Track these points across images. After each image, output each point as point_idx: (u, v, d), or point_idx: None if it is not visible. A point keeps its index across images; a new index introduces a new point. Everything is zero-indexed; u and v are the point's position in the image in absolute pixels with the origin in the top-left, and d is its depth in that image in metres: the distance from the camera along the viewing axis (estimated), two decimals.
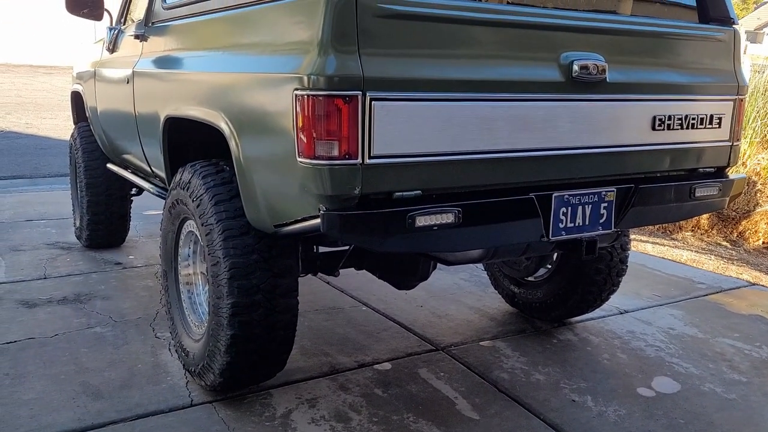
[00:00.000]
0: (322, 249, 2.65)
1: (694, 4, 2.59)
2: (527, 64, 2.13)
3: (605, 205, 2.35)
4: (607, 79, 2.24)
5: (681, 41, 2.51)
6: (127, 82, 3.31)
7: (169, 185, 2.72)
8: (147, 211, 5.35)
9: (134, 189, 4.21)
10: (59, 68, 19.26)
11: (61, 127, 10.36)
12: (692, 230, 5.49)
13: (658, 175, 2.51)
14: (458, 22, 2.01)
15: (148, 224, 5.11)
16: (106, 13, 3.90)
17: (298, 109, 1.88)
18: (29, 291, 3.68)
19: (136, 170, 3.77)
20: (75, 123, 4.74)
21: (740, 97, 2.60)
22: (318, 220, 1.91)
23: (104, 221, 4.38)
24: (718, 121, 2.55)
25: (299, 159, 1.91)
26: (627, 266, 3.31)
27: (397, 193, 1.96)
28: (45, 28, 20.63)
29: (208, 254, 2.36)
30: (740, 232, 5.36)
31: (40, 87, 16.12)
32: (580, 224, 2.30)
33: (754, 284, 4.33)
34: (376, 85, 1.85)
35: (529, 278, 3.52)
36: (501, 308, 3.69)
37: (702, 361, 3.13)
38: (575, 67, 2.17)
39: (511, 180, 2.16)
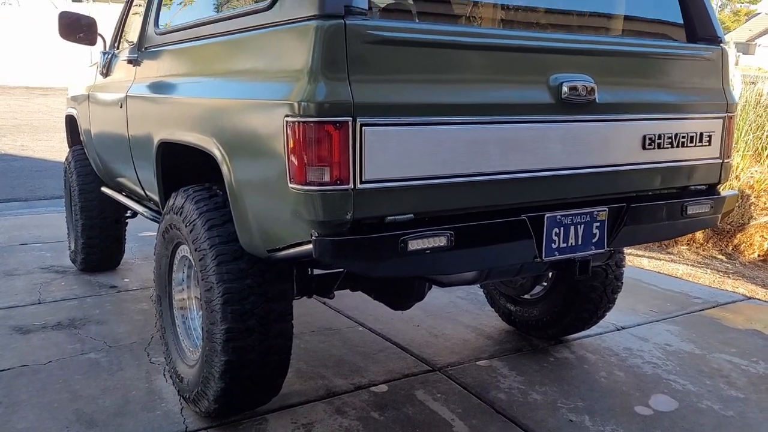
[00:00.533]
0: (316, 271, 2.65)
1: (682, 24, 2.62)
2: (517, 86, 2.15)
3: (597, 224, 2.35)
4: (597, 100, 2.26)
5: (669, 61, 2.53)
6: (121, 107, 3.33)
7: (163, 209, 2.72)
8: (142, 232, 5.35)
9: (129, 212, 4.21)
10: (55, 89, 19.32)
11: (57, 148, 10.37)
12: (687, 244, 5.50)
13: (650, 193, 2.52)
14: (447, 46, 2.03)
15: (144, 246, 5.10)
16: (99, 38, 3.92)
17: (289, 135, 1.89)
18: (23, 317, 3.66)
19: (131, 193, 3.77)
20: (69, 146, 4.75)
21: (729, 114, 2.62)
22: (310, 246, 1.91)
23: (99, 244, 4.37)
24: (708, 138, 2.56)
25: (291, 185, 1.91)
26: (622, 283, 3.31)
27: (389, 217, 1.96)
28: (40, 49, 20.72)
29: (202, 279, 2.35)
30: (735, 245, 5.37)
31: (36, 109, 16.16)
32: (573, 244, 2.31)
33: (750, 298, 4.33)
34: (366, 111, 1.86)
35: (525, 296, 3.51)
36: (498, 326, 3.69)
37: (699, 377, 3.12)
38: (564, 89, 2.18)
39: (503, 202, 2.17)
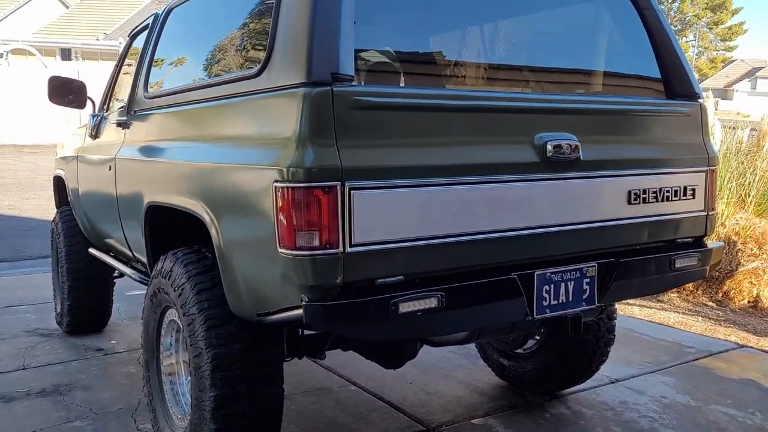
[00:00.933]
0: (307, 332, 2.62)
1: (661, 81, 2.69)
2: (502, 146, 2.18)
3: (587, 280, 2.36)
4: (581, 157, 2.29)
5: (650, 117, 2.59)
6: (110, 169, 3.34)
7: (151, 271, 2.70)
8: (130, 291, 5.28)
9: (117, 272, 4.17)
10: (44, 147, 19.36)
11: (45, 207, 10.31)
12: (678, 292, 5.50)
13: (638, 247, 2.54)
14: (432, 109, 2.07)
15: (132, 306, 5.04)
16: (89, 101, 3.96)
17: (278, 200, 1.90)
18: (7, 383, 3.58)
19: (118, 255, 3.74)
20: (57, 207, 4.73)
21: (711, 168, 2.66)
22: (300, 311, 1.90)
23: (86, 306, 4.31)
24: (692, 192, 2.60)
25: (280, 249, 1.91)
26: (615, 336, 3.29)
27: (379, 280, 1.96)
28: (30, 107, 20.86)
29: (190, 344, 2.32)
30: (725, 292, 5.39)
31: (24, 167, 16.15)
32: (564, 301, 2.31)
33: (742, 346, 4.32)
34: (354, 175, 1.88)
35: (518, 350, 3.48)
36: (491, 382, 3.64)
37: (696, 431, 3.08)
38: (549, 147, 2.22)
39: (492, 260, 2.17)
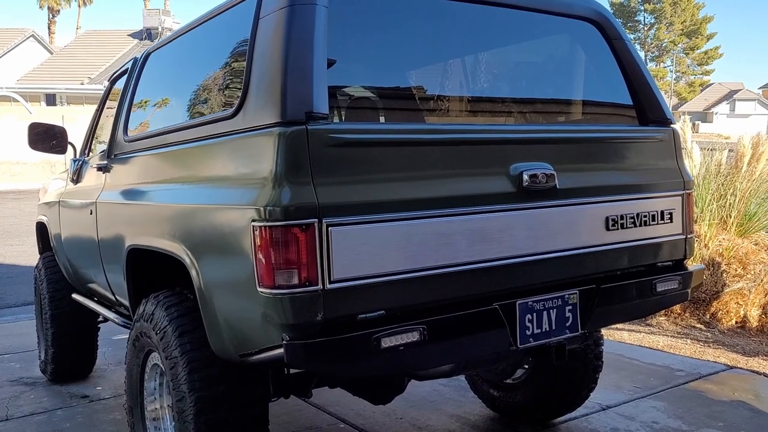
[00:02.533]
0: (293, 370, 2.60)
1: (633, 108, 2.73)
2: (479, 178, 2.20)
3: (570, 307, 2.36)
4: (557, 186, 2.32)
5: (624, 144, 2.63)
6: (91, 213, 3.33)
7: (134, 315, 2.68)
8: (116, 335, 5.21)
9: (101, 317, 4.12)
10: (27, 192, 19.29)
11: (29, 253, 10.22)
12: (666, 315, 5.51)
13: (619, 273, 2.55)
14: (407, 144, 2.09)
15: (117, 350, 4.97)
16: (70, 146, 3.97)
17: (257, 239, 1.90)
18: None
19: (102, 299, 3.71)
20: (40, 253, 4.69)
21: (687, 191, 2.70)
22: (282, 350, 1.88)
23: (70, 353, 4.24)
24: (669, 216, 2.63)
25: (260, 288, 1.91)
26: (603, 362, 3.29)
27: (360, 316, 1.96)
28: (13, 153, 20.84)
29: (174, 389, 2.29)
30: (713, 314, 5.40)
31: (8, 213, 16.04)
32: (547, 329, 2.31)
33: (732, 367, 4.32)
34: (331, 212, 1.89)
35: (507, 381, 3.46)
36: (482, 414, 3.61)
37: None
38: (525, 177, 2.24)
39: (473, 292, 2.18)
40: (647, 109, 2.71)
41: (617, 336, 5.07)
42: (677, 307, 5.50)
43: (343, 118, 2.64)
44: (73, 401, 4.01)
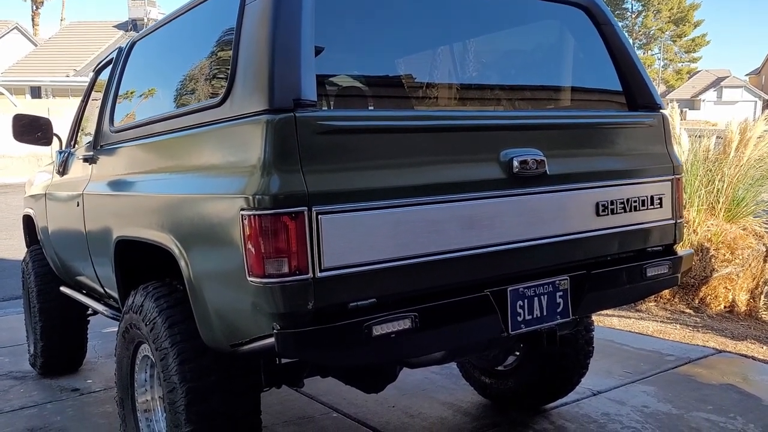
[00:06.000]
0: (285, 360, 2.59)
1: (623, 94, 2.73)
2: (469, 164, 2.19)
3: (560, 293, 2.37)
4: (548, 172, 2.31)
5: (614, 129, 2.62)
6: (78, 205, 3.29)
7: (123, 307, 2.66)
8: (106, 328, 5.18)
9: (90, 310, 4.10)
10: (14, 186, 19.08)
11: (17, 247, 10.12)
12: (655, 300, 5.55)
13: (609, 258, 2.55)
14: (397, 131, 2.08)
15: (107, 343, 4.93)
16: (55, 138, 3.92)
17: (246, 228, 1.89)
18: None
19: (90, 292, 3.68)
20: (27, 246, 4.65)
21: (677, 176, 2.70)
22: (273, 340, 1.87)
23: (59, 346, 4.21)
24: (659, 201, 2.63)
25: (249, 278, 1.89)
26: (593, 347, 3.30)
27: (351, 304, 1.95)
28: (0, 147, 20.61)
29: (164, 380, 2.28)
30: (701, 298, 5.44)
31: None
32: (539, 315, 2.31)
33: (720, 351, 4.35)
34: (321, 200, 1.88)
35: (499, 367, 3.47)
36: (474, 401, 3.62)
37: None
38: (515, 163, 2.23)
39: (464, 278, 2.17)
40: (636, 94, 2.70)
41: (607, 322, 5.10)
42: (666, 293, 5.54)
43: (332, 106, 2.62)
44: (63, 395, 3.99)
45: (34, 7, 42.12)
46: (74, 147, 3.84)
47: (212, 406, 2.20)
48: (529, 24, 2.91)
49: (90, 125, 3.53)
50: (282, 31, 1.97)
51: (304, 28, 1.99)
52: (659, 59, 57.63)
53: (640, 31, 57.56)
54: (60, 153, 3.88)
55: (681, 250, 2.76)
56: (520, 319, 2.26)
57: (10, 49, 31.11)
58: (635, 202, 2.56)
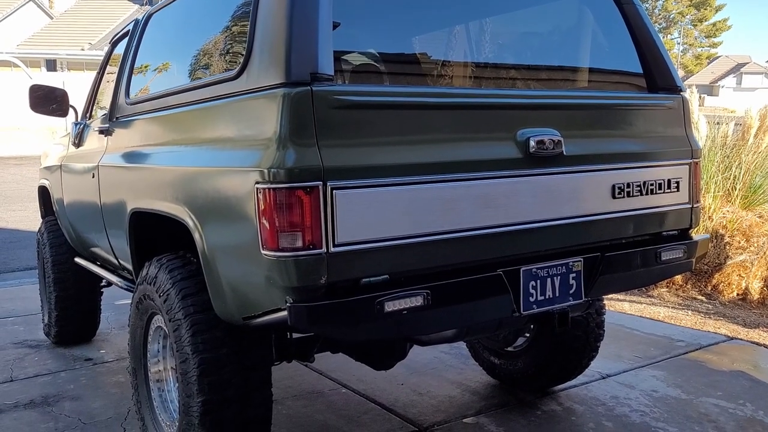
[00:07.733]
0: (295, 335, 2.61)
1: (642, 76, 2.69)
2: (485, 143, 2.17)
3: (574, 275, 2.36)
4: (564, 153, 2.29)
5: (632, 111, 2.59)
6: (93, 177, 3.31)
7: (137, 278, 2.68)
8: (119, 300, 5.24)
9: (104, 281, 4.14)
10: (29, 158, 19.22)
11: (32, 218, 10.23)
12: (667, 286, 5.52)
13: (623, 241, 2.54)
14: (413, 107, 2.06)
15: (120, 314, 4.99)
16: (71, 109, 3.93)
17: (260, 201, 1.89)
18: None
19: (104, 263, 3.71)
20: (43, 217, 4.69)
21: (695, 160, 2.67)
22: (285, 313, 1.88)
23: (73, 316, 4.27)
24: (676, 185, 2.61)
25: (263, 251, 1.90)
26: (604, 331, 3.29)
27: (364, 280, 1.95)
28: (14, 119, 20.72)
29: (177, 351, 2.30)
30: (714, 285, 5.41)
31: (10, 179, 16.02)
32: (551, 296, 2.30)
33: (732, 338, 4.34)
34: (336, 175, 1.87)
35: (509, 348, 3.48)
36: (483, 381, 3.63)
37: (687, 423, 3.08)
38: (532, 143, 2.21)
39: (477, 258, 2.17)
40: (657, 76, 2.66)
41: (618, 307, 5.08)
42: (679, 279, 5.51)
43: (347, 83, 2.59)
44: (77, 364, 4.05)
45: None
46: (89, 119, 3.86)
47: (224, 377, 2.22)
48: (549, 2, 2.86)
49: (105, 98, 3.54)
50: (300, 4, 1.95)
51: (322, 2, 1.97)
52: (678, 44, 56.75)
53: (659, 14, 56.63)
54: (75, 125, 3.89)
55: (696, 235, 2.74)
56: (532, 299, 2.26)
57: (26, 21, 31.13)
58: (652, 185, 2.53)
